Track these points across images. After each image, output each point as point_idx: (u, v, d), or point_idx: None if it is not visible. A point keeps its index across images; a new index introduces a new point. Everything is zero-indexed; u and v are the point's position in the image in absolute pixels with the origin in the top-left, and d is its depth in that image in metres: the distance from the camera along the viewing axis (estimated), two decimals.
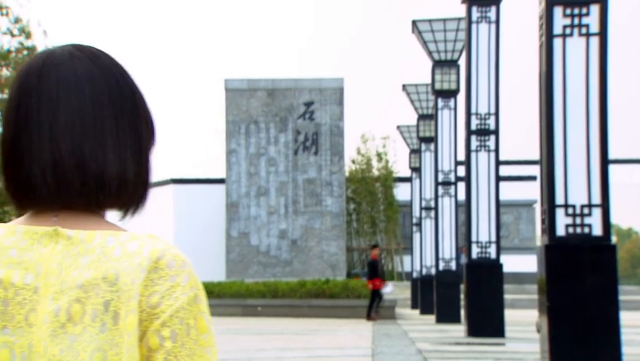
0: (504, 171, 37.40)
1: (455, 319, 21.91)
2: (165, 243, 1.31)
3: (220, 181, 38.92)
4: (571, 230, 8.44)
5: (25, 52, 33.54)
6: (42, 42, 32.39)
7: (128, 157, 1.33)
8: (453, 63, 24.73)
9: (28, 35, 33.24)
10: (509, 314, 22.26)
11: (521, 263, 38.71)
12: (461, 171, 18.80)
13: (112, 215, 1.43)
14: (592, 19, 8.57)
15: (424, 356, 12.64)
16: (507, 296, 27.07)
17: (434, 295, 24.22)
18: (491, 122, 17.32)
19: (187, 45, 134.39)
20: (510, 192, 38.84)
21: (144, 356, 1.28)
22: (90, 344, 1.26)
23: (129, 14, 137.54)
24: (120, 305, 1.26)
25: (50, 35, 77.83)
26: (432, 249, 27.99)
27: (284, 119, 37.52)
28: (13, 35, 33.06)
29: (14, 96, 1.34)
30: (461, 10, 18.08)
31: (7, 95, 1.37)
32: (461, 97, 19.20)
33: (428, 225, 29.51)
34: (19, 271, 1.30)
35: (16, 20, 33.03)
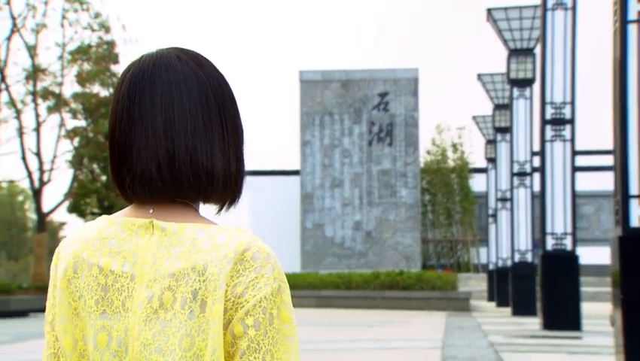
0: (585, 161, 36.62)
1: (531, 312, 21.56)
2: (251, 236, 1.38)
3: (295, 173, 39.07)
4: None
5: (104, 46, 34.25)
6: (121, 36, 33.11)
7: (231, 153, 1.42)
8: (529, 52, 24.28)
9: (107, 30, 33.94)
10: (589, 307, 21.82)
11: (603, 255, 37.86)
12: (537, 161, 18.44)
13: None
14: None
15: (495, 349, 12.47)
16: (587, 289, 26.54)
17: (510, 287, 23.89)
18: (566, 112, 16.96)
19: (262, 37, 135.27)
20: (590, 182, 38.01)
21: (229, 343, 1.34)
22: (180, 329, 1.33)
23: (204, 7, 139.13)
24: (207, 294, 1.33)
25: (129, 30, 79.26)
26: (508, 240, 27.61)
27: (359, 110, 37.44)
28: (93, 30, 33.80)
29: (127, 95, 1.41)
30: None
31: (115, 94, 1.44)
32: (537, 86, 18.83)
33: (503, 216, 29.12)
34: (118, 259, 1.39)
35: (96, 15, 33.75)
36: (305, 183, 37.19)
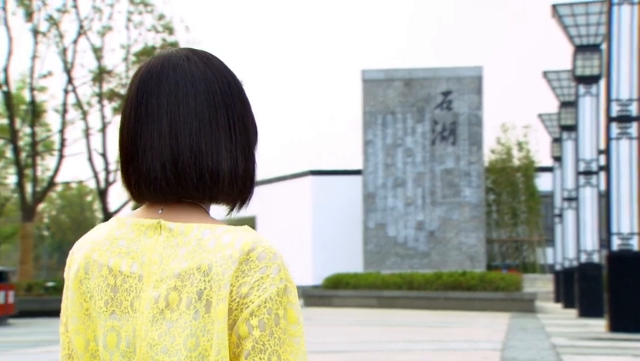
0: None
1: (598, 313, 21.08)
2: (257, 236, 1.36)
3: (357, 172, 38.98)
4: None
5: (169, 48, 34.64)
6: (184, 38, 33.38)
7: (238, 154, 1.41)
8: (595, 47, 23.78)
9: (171, 31, 34.33)
10: None
11: None
12: (604, 160, 18.01)
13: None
14: None
15: (557, 351, 12.17)
16: None
17: (576, 288, 23.40)
18: (633, 109, 16.51)
19: (324, 37, 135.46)
20: None
21: (235, 344, 1.33)
22: (185, 329, 1.33)
23: (266, 7, 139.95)
24: (212, 294, 1.33)
25: (192, 31, 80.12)
26: (574, 241, 27.07)
27: (422, 109, 37.14)
28: (157, 32, 34.23)
29: (135, 95, 1.43)
30: None
31: (126, 95, 1.46)
32: (603, 83, 18.40)
33: (569, 216, 28.57)
34: (127, 260, 1.40)
35: (160, 17, 34.17)
36: (367, 183, 37.04)
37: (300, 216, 43.08)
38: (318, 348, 13.29)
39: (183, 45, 34.90)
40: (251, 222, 53.88)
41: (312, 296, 30.10)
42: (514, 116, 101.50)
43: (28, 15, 31.81)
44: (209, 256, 1.34)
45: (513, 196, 42.37)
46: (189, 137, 1.38)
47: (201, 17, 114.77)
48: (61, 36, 32.47)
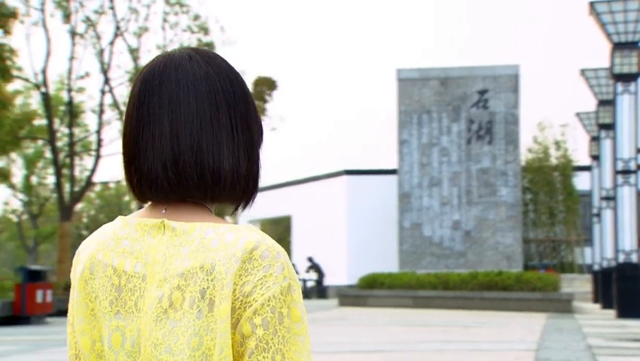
0: None
1: (637, 314, 20.78)
2: (261, 234, 1.36)
3: (392, 172, 38.83)
4: None
5: (204, 48, 34.81)
6: (219, 38, 33.61)
7: (241, 153, 1.41)
8: (634, 45, 23.45)
9: (206, 32, 34.50)
10: None
11: None
12: None
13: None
14: None
15: (593, 352, 12.02)
16: None
17: (614, 288, 23.09)
18: None
19: (359, 36, 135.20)
20: None
21: (239, 343, 1.32)
22: (188, 329, 1.33)
23: (300, 7, 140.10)
24: (215, 293, 1.33)
25: (227, 31, 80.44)
26: (612, 240, 26.73)
27: (457, 108, 36.91)
28: (192, 32, 34.43)
29: (137, 95, 1.43)
30: None
31: (129, 93, 1.47)
32: None
33: (607, 215, 28.22)
34: (131, 260, 1.40)
35: (196, 17, 34.36)
36: (402, 182, 36.90)
37: (335, 216, 43.02)
38: (351, 348, 13.25)
39: (218, 46, 35.09)
40: (286, 221, 53.97)
41: (347, 296, 30.04)
42: (551, 115, 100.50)
43: (66, 17, 32.15)
44: (212, 254, 1.34)
45: (550, 196, 41.95)
46: (190, 136, 1.38)
47: (236, 17, 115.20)
48: (98, 37, 32.80)
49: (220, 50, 36.61)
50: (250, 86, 37.92)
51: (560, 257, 41.80)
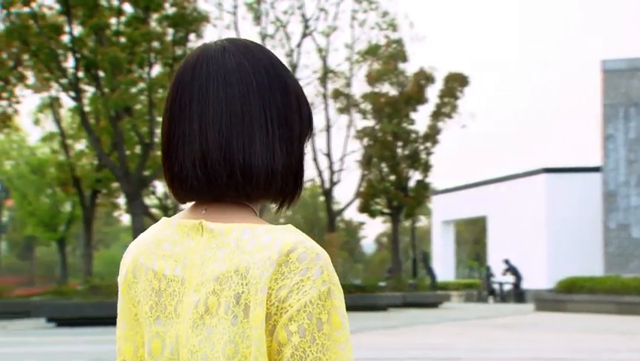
0: None
1: None
2: (300, 236, 1.29)
3: (596, 170, 36.86)
4: None
5: (393, 45, 34.18)
6: (407, 34, 32.87)
7: (277, 148, 1.33)
8: None
9: (394, 28, 33.89)
10: None
11: None
12: None
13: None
14: None
15: None
16: None
17: None
18: None
19: (557, 25, 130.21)
20: None
21: (275, 351, 1.26)
22: (223, 336, 1.27)
23: (493, 1, 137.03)
24: (249, 298, 1.26)
25: (416, 27, 79.52)
26: None
27: None
28: (381, 29, 33.95)
29: (171, 91, 1.38)
30: None
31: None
32: None
33: None
34: (170, 263, 1.35)
35: (384, 14, 33.87)
36: (608, 181, 34.77)
37: (533, 216, 41.24)
38: (522, 355, 12.22)
39: (407, 42, 34.39)
40: (481, 222, 52.36)
41: (544, 300, 28.43)
42: None
43: (257, 19, 32.65)
44: (247, 257, 1.28)
45: None
46: (218, 132, 1.32)
47: (426, 13, 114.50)
48: (287, 37, 33.04)
49: (409, 47, 35.86)
50: (440, 83, 36.85)
51: None
